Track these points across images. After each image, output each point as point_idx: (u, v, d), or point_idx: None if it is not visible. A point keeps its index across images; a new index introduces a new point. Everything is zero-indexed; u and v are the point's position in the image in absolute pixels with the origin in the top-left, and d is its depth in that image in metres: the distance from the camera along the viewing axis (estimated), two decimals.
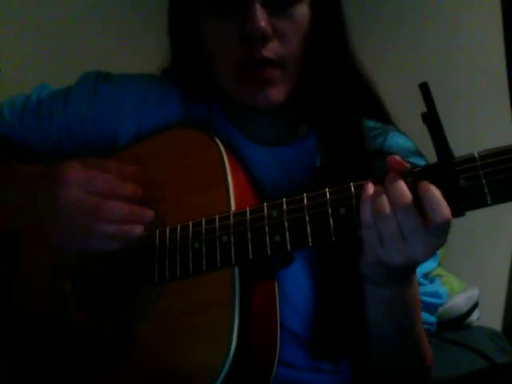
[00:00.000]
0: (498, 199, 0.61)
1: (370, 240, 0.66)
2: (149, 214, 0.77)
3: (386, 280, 0.71)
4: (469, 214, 0.64)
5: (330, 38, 0.83)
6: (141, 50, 1.54)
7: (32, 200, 0.80)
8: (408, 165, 0.66)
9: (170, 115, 0.89)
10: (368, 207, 0.65)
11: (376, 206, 0.64)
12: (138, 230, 0.76)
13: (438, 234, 0.63)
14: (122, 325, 0.78)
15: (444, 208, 0.61)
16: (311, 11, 0.80)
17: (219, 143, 0.81)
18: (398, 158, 0.66)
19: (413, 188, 0.64)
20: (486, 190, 0.61)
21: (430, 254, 0.65)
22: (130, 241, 0.76)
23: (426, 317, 0.84)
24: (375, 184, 0.66)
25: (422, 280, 0.85)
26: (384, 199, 0.64)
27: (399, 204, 0.63)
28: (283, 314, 0.78)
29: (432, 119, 0.61)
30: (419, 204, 0.63)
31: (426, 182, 0.63)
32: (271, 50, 0.77)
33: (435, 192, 0.62)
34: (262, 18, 0.75)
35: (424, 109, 0.62)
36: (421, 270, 0.83)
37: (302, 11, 0.80)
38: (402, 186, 0.64)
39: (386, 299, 0.73)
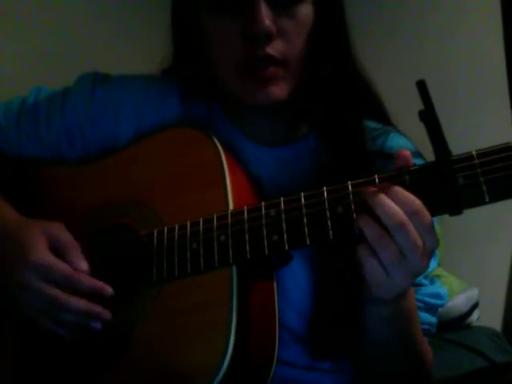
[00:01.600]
0: (496, 197, 0.61)
1: (376, 278, 0.66)
2: (107, 314, 0.77)
3: (386, 301, 0.71)
4: (469, 214, 0.64)
5: (332, 38, 0.83)
6: (141, 50, 1.54)
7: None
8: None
9: (169, 114, 0.89)
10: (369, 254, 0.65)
11: (374, 241, 0.64)
12: (98, 326, 0.77)
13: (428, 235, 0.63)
14: (121, 325, 0.78)
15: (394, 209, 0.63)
16: (314, 11, 0.81)
17: (217, 142, 0.81)
18: (408, 153, 0.66)
19: (411, 187, 0.64)
20: (484, 188, 0.61)
21: (429, 261, 0.65)
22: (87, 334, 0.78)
23: (427, 317, 0.84)
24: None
25: (423, 281, 0.85)
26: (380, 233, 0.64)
27: (396, 223, 0.63)
28: (283, 313, 0.78)
29: (429, 117, 0.61)
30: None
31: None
32: (275, 48, 0.78)
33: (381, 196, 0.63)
34: (267, 17, 0.76)
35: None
36: None
37: (306, 11, 0.80)
38: (392, 205, 0.63)
39: (385, 316, 0.73)
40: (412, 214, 0.62)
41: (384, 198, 0.63)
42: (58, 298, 0.76)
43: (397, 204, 0.63)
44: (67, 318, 0.77)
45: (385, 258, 0.64)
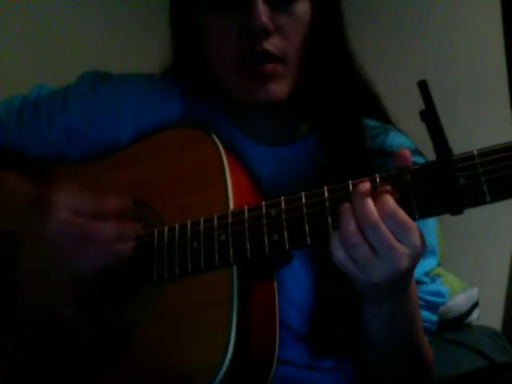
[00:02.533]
0: (497, 197, 0.61)
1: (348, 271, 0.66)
2: (136, 228, 0.76)
3: (383, 298, 0.71)
4: (469, 214, 0.64)
5: (329, 36, 0.84)
6: (141, 50, 1.54)
7: (19, 224, 0.77)
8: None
9: (171, 114, 0.89)
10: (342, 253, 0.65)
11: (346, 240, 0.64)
12: (128, 247, 0.75)
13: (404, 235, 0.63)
14: (122, 325, 0.78)
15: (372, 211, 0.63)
16: (312, 9, 0.81)
17: (218, 142, 0.81)
18: (407, 152, 0.66)
19: (412, 186, 0.64)
20: (485, 188, 0.61)
21: (412, 262, 0.65)
22: (122, 258, 0.75)
23: (428, 316, 0.84)
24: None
25: (423, 278, 0.85)
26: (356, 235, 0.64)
27: (368, 222, 0.63)
28: (283, 312, 0.78)
29: (431, 117, 0.61)
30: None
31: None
32: (272, 43, 0.78)
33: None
34: (264, 13, 0.76)
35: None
36: (422, 268, 0.83)
37: (303, 8, 0.80)
38: (369, 204, 0.64)
39: (384, 315, 0.73)
40: (384, 214, 0.63)
41: (364, 197, 0.64)
42: (87, 226, 0.73)
43: (373, 203, 0.63)
44: (96, 252, 0.73)
45: (355, 253, 0.64)
